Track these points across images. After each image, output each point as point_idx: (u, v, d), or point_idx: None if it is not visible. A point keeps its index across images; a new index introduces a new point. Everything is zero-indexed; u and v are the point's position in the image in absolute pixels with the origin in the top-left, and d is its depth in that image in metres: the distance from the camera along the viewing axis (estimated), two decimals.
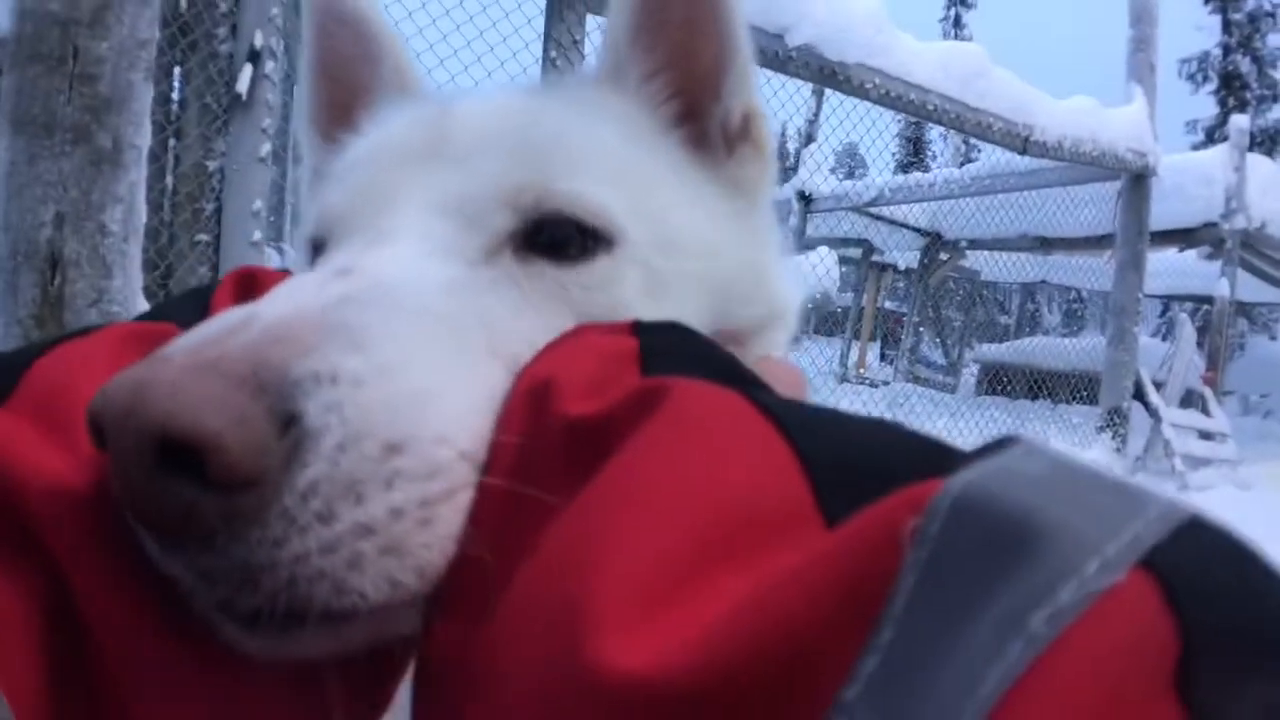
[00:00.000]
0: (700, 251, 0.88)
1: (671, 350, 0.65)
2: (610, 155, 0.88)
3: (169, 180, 4.86)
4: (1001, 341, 18.91)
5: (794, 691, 0.36)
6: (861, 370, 17.09)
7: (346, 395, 0.55)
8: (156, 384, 0.50)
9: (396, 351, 0.60)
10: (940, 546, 0.35)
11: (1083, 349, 14.15)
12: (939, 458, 0.44)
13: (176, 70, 4.77)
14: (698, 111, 0.99)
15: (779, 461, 0.47)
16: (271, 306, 0.60)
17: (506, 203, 0.79)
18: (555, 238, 0.79)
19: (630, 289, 0.80)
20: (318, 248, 0.86)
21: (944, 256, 14.89)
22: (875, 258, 16.67)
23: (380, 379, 0.57)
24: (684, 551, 0.43)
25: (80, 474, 0.57)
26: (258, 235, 4.62)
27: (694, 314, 0.83)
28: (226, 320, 0.57)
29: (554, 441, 0.57)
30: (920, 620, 0.34)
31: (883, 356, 19.82)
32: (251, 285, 0.79)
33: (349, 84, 1.10)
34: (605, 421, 0.55)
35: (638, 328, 0.68)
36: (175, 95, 4.84)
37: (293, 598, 0.54)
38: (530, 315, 0.74)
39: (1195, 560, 0.34)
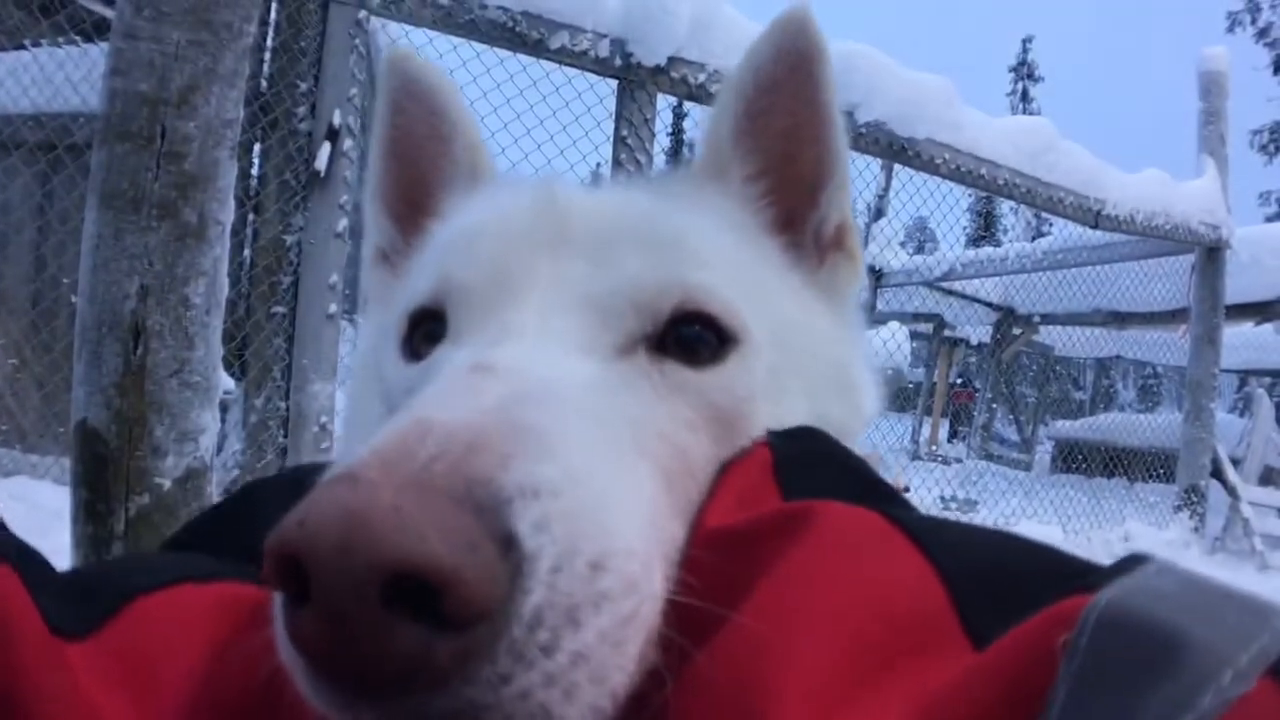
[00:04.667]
0: (806, 349, 0.89)
1: (805, 459, 0.69)
2: (729, 252, 0.89)
3: (247, 253, 4.98)
4: (1076, 418, 18.60)
5: None
6: (934, 447, 16.86)
7: (551, 509, 0.52)
8: (376, 512, 0.45)
9: (578, 456, 0.57)
10: (1089, 659, 0.38)
11: (1159, 426, 13.89)
12: (1066, 572, 0.48)
13: (256, 147, 4.91)
14: (795, 219, 0.99)
15: (923, 581, 0.51)
16: (439, 410, 0.57)
17: (647, 304, 0.79)
18: (687, 336, 0.79)
19: (755, 386, 0.80)
20: (425, 319, 0.86)
21: (1017, 331, 14.72)
22: (947, 332, 16.53)
23: (573, 488, 0.54)
24: (850, 665, 0.46)
25: None
26: (333, 308, 4.71)
27: (801, 409, 0.84)
28: (399, 430, 0.54)
29: (699, 551, 0.60)
30: None
31: (953, 434, 19.53)
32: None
33: (419, 162, 1.11)
34: (748, 535, 0.58)
35: (772, 437, 0.73)
36: (255, 171, 4.98)
37: None
38: (662, 410, 0.74)
39: None
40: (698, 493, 0.69)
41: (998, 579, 0.50)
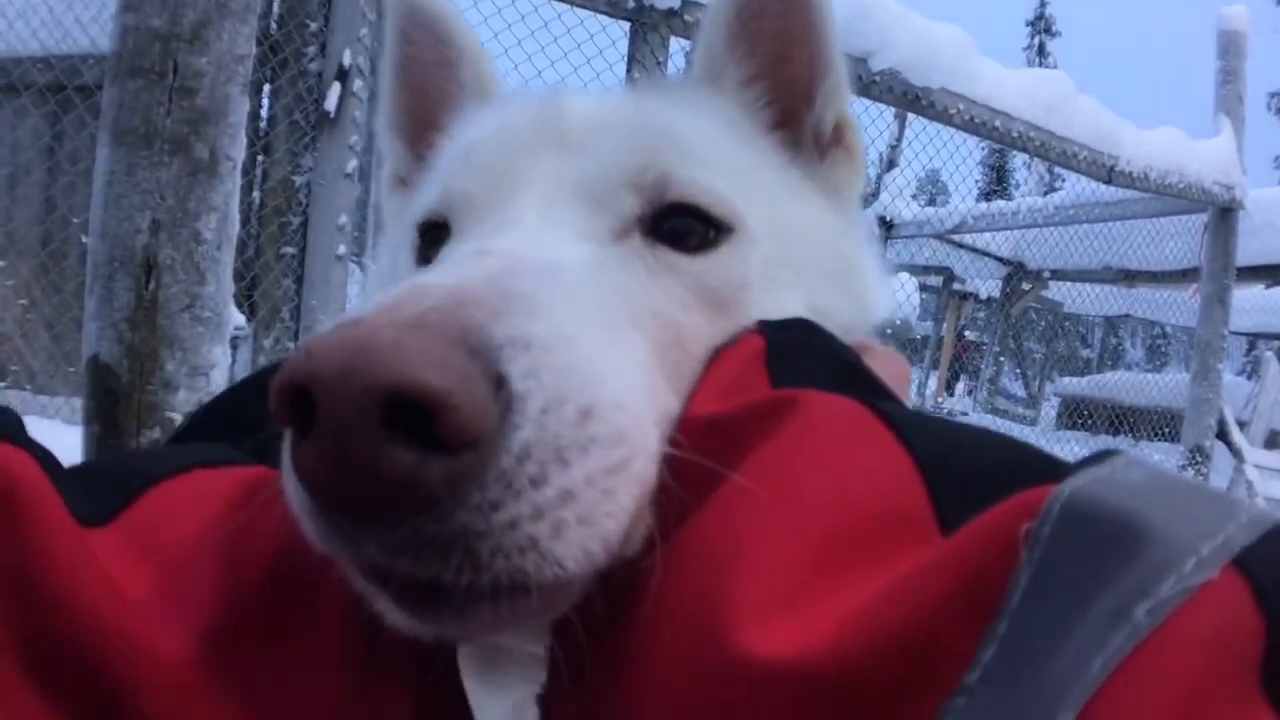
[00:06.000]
0: (805, 242, 0.91)
1: (796, 348, 0.70)
2: (722, 147, 0.91)
3: (256, 194, 4.97)
4: (1083, 375, 18.59)
5: (920, 675, 0.39)
6: (940, 400, 16.87)
7: (541, 360, 0.55)
8: (378, 343, 0.49)
9: (568, 320, 0.61)
10: (1051, 547, 0.38)
11: (1165, 385, 13.86)
12: (1042, 466, 0.49)
13: (266, 87, 4.89)
14: (792, 118, 1.02)
15: (900, 469, 0.52)
16: (439, 278, 0.61)
17: (631, 185, 0.82)
18: (679, 226, 0.82)
19: (749, 274, 0.83)
20: (432, 229, 0.90)
21: (1026, 286, 14.65)
22: (956, 286, 16.48)
23: (562, 345, 0.58)
24: (818, 550, 0.47)
25: (190, 646, 0.56)
26: (342, 249, 4.70)
27: (797, 300, 0.86)
28: (400, 292, 0.57)
29: (687, 433, 0.62)
30: (1033, 613, 0.38)
31: (953, 386, 19.49)
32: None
33: (428, 87, 1.14)
34: (733, 422, 0.60)
35: (765, 326, 0.74)
36: (264, 112, 4.96)
37: (503, 568, 0.53)
38: (656, 289, 0.77)
39: None
40: (691, 370, 0.73)
41: (975, 471, 0.51)
